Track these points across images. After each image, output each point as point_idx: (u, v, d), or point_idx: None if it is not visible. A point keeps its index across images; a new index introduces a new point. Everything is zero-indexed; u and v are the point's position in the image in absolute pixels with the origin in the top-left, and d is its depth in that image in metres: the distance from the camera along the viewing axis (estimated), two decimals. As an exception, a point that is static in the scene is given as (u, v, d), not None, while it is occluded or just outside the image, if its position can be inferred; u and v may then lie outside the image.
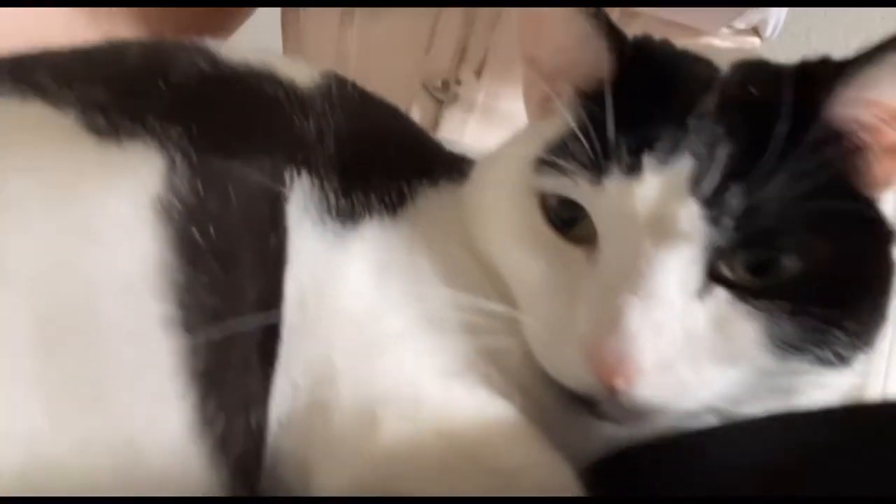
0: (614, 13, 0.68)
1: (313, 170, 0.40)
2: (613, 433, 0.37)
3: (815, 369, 0.35)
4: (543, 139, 0.39)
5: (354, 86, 0.47)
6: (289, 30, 0.81)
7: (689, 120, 0.35)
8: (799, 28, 1.17)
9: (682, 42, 0.42)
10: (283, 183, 0.38)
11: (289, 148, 0.40)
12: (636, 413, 0.35)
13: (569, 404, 0.37)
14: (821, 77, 0.36)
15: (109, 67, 0.42)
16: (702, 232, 0.34)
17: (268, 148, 0.40)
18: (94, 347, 0.32)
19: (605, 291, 0.35)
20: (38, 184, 0.34)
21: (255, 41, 0.51)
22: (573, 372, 0.36)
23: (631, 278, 0.34)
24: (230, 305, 0.34)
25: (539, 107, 0.44)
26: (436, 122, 0.71)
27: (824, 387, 0.37)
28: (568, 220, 0.38)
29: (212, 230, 0.35)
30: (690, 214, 0.34)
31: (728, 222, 0.33)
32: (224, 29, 0.79)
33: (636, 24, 0.70)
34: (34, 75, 0.39)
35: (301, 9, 0.79)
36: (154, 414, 0.33)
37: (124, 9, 0.69)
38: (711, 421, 0.36)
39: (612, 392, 0.34)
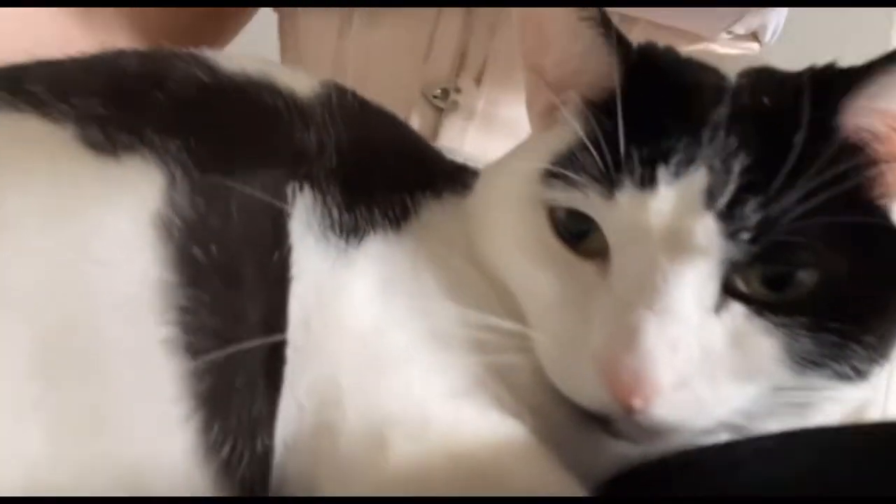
0: (613, 18, 0.67)
1: (315, 184, 0.39)
2: (624, 451, 0.37)
3: (833, 384, 0.35)
4: (551, 150, 0.38)
5: (355, 95, 0.46)
6: (286, 39, 0.80)
7: (703, 131, 0.35)
8: (793, 33, 1.18)
9: (682, 49, 0.42)
10: (285, 198, 0.38)
11: (290, 161, 0.39)
12: (652, 431, 0.34)
13: (580, 422, 0.36)
14: (833, 87, 0.35)
15: (106, 78, 0.41)
16: (718, 246, 0.33)
17: (269, 161, 0.39)
18: (93, 371, 0.32)
19: (618, 307, 0.34)
20: (34, 202, 0.34)
21: (252, 51, 0.51)
22: (587, 390, 0.35)
23: (646, 293, 0.33)
24: (233, 326, 0.34)
25: (543, 116, 0.43)
26: (435, 131, 0.70)
27: (839, 401, 0.37)
28: (578, 234, 0.37)
29: (213, 248, 0.34)
30: (707, 228, 0.33)
31: (745, 236, 0.33)
32: (220, 35, 0.79)
33: (636, 29, 0.69)
34: (29, 87, 0.38)
35: (299, 17, 0.78)
36: (156, 438, 0.32)
37: (120, 18, 0.68)
38: (725, 437, 0.36)
39: (628, 411, 0.33)
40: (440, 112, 0.71)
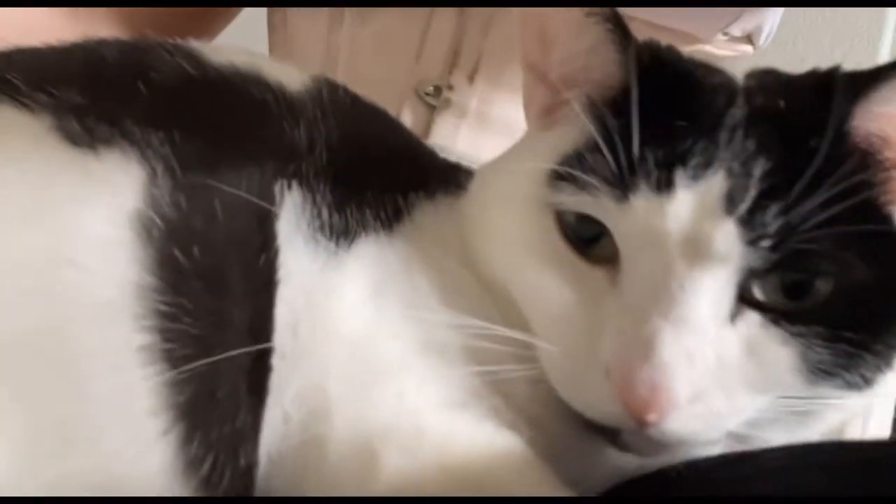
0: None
1: (305, 182, 0.38)
2: (621, 463, 0.36)
3: (842, 393, 0.34)
4: (556, 151, 0.37)
5: (346, 90, 0.45)
6: (276, 33, 0.79)
7: (720, 133, 0.34)
8: (786, 36, 1.18)
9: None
10: (273, 197, 0.36)
11: (279, 157, 0.38)
12: (660, 444, 0.33)
13: (581, 434, 0.35)
14: (845, 91, 0.35)
15: (85, 68, 0.39)
16: (738, 253, 0.32)
17: (256, 157, 0.37)
18: (64, 380, 0.30)
19: (631, 315, 0.33)
20: (5, 198, 0.32)
21: (241, 45, 0.49)
22: (598, 403, 0.34)
23: (661, 302, 0.32)
24: (216, 333, 0.32)
25: (541, 115, 0.42)
26: (427, 128, 0.69)
27: (843, 409, 0.36)
28: (587, 239, 0.35)
29: (196, 250, 0.33)
30: (727, 235, 0.32)
31: (765, 243, 0.32)
32: (208, 30, 0.77)
33: (630, 29, 0.68)
34: (4, 75, 0.36)
35: (289, 11, 0.77)
36: (132, 454, 0.31)
37: (105, 16, 0.67)
38: (727, 446, 0.35)
39: (641, 425, 0.32)
40: (432, 109, 0.70)
